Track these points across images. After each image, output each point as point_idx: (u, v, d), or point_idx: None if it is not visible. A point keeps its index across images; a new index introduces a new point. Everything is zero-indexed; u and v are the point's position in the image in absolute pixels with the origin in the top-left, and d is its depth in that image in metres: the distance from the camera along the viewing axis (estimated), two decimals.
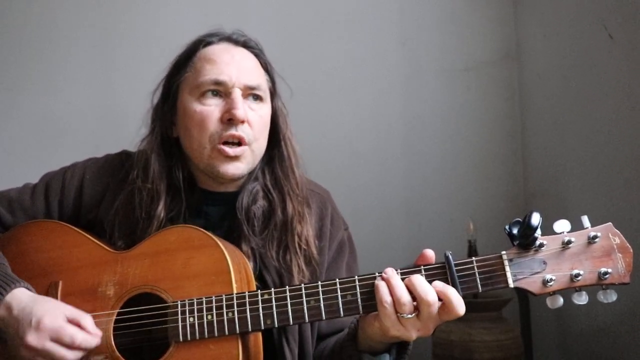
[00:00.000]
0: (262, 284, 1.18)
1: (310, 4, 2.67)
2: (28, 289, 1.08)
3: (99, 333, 1.05)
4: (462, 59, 2.64)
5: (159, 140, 1.23)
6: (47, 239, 1.18)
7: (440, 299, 0.97)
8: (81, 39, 2.62)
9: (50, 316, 1.01)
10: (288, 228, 1.21)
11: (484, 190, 2.59)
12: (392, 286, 0.98)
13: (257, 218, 1.20)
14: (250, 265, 1.16)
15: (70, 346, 1.01)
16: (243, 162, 1.18)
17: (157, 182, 1.20)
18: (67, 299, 1.10)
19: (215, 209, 1.24)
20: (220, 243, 1.10)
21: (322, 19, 2.66)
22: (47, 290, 1.11)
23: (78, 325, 1.03)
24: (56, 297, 1.10)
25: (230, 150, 1.16)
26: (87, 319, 1.05)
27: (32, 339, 0.99)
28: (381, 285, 0.98)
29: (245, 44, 1.25)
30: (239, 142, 1.17)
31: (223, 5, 2.56)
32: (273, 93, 1.27)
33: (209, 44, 1.23)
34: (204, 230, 1.11)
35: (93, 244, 1.16)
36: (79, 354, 1.02)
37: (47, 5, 2.63)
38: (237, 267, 1.09)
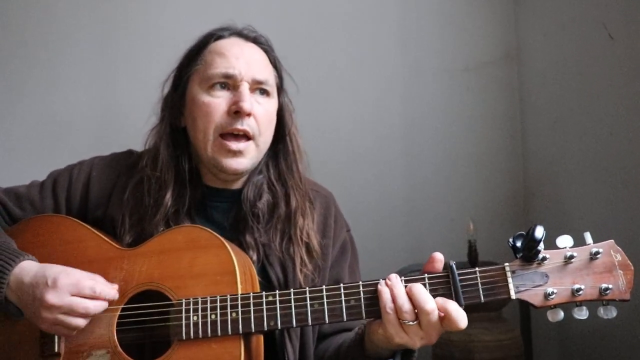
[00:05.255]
0: (266, 280, 1.19)
1: (310, 4, 2.67)
2: (34, 260, 1.09)
3: (115, 286, 1.07)
4: (462, 59, 2.64)
5: (168, 129, 1.25)
6: (55, 233, 1.18)
7: (441, 313, 0.97)
8: (81, 38, 2.62)
9: (65, 273, 1.03)
10: (291, 220, 1.23)
11: (484, 190, 2.59)
12: (395, 294, 0.99)
13: (262, 213, 1.22)
14: (254, 257, 1.18)
15: (92, 296, 1.03)
16: (247, 157, 1.19)
17: (165, 170, 1.22)
18: None
19: (219, 205, 1.26)
20: (227, 244, 1.11)
21: (322, 19, 2.66)
22: None
23: (92, 279, 1.05)
24: None
25: (234, 145, 1.17)
26: (98, 277, 1.07)
27: (52, 296, 1.01)
28: (384, 292, 0.99)
29: (256, 40, 1.27)
30: (244, 136, 1.18)
31: (223, 6, 2.56)
32: (280, 89, 1.29)
33: (220, 37, 1.25)
34: (211, 231, 1.12)
35: (100, 240, 1.16)
36: (101, 304, 1.04)
37: (47, 5, 2.63)
38: (242, 269, 1.10)
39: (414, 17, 2.67)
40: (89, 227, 1.19)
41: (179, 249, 1.11)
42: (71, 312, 1.02)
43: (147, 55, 2.53)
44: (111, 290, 1.05)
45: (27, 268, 1.06)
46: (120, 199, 1.23)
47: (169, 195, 1.20)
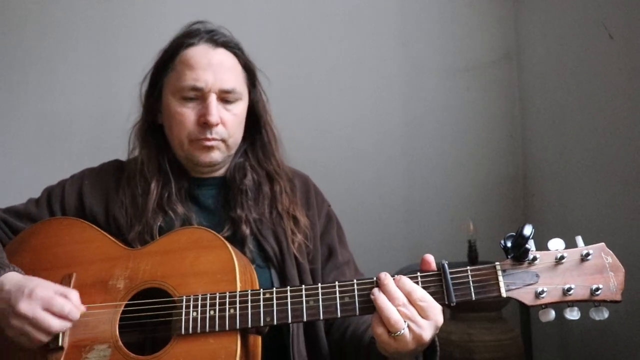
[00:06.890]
0: (262, 252, 1.27)
1: (310, 4, 2.67)
2: (19, 272, 1.13)
3: (82, 308, 1.11)
4: (462, 59, 2.64)
5: (146, 126, 1.36)
6: (66, 235, 1.24)
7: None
8: (81, 38, 2.63)
9: (42, 287, 1.08)
10: (277, 198, 1.33)
11: (484, 190, 2.60)
12: (386, 290, 1.02)
13: (249, 189, 1.32)
14: (247, 232, 1.25)
15: (59, 315, 1.06)
16: (217, 152, 1.29)
17: (147, 163, 1.32)
18: (79, 290, 1.14)
19: (207, 192, 1.34)
20: (229, 246, 1.15)
21: (322, 19, 2.67)
22: (61, 281, 1.16)
23: (65, 297, 1.09)
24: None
25: (207, 142, 1.27)
26: (73, 293, 1.10)
27: (24, 306, 1.04)
28: (381, 296, 1.02)
29: (225, 45, 1.32)
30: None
31: (223, 6, 2.57)
32: (251, 87, 1.36)
33: (190, 45, 1.31)
34: (214, 232, 1.17)
35: (109, 241, 1.22)
36: (65, 324, 1.08)
37: (47, 5, 2.63)
38: (242, 269, 1.13)
39: (414, 17, 2.67)
40: (98, 229, 1.25)
41: (182, 249, 1.15)
42: (36, 326, 1.05)
43: (147, 56, 2.52)
44: (77, 312, 1.09)
45: (10, 277, 1.10)
46: (116, 197, 1.31)
47: (153, 185, 1.30)
